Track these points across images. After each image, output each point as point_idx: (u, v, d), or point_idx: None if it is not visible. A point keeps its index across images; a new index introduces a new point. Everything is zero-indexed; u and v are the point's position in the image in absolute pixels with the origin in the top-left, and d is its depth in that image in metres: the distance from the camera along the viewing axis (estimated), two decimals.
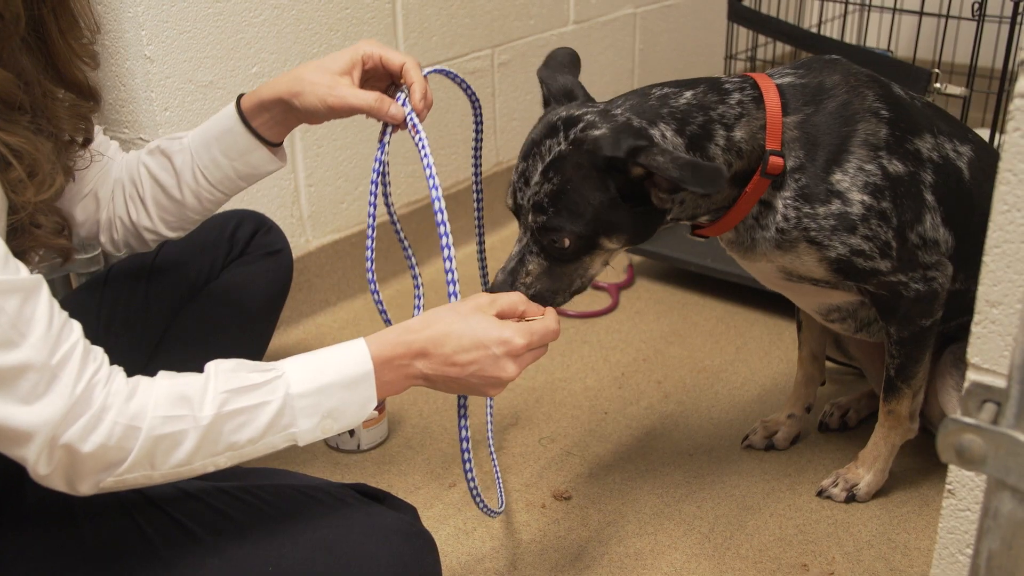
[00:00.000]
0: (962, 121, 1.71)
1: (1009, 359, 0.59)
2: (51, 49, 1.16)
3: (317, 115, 1.32)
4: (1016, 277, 0.86)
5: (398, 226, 1.48)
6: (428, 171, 1.26)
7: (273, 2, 1.94)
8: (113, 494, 1.13)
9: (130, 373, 1.46)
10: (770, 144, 1.35)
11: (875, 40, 2.42)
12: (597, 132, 1.27)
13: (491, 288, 1.37)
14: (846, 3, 2.34)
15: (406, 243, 1.51)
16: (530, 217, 1.31)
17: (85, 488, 1.01)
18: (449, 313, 1.17)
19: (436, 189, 1.26)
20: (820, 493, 1.62)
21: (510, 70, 2.55)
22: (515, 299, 1.23)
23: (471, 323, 1.15)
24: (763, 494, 1.63)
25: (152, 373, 1.47)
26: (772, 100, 1.36)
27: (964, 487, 1.03)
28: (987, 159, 1.47)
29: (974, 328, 0.94)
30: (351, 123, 2.16)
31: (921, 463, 1.66)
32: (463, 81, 1.43)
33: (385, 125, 1.33)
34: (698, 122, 1.32)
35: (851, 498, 1.60)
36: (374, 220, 1.35)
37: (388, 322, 1.27)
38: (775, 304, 2.17)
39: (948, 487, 1.04)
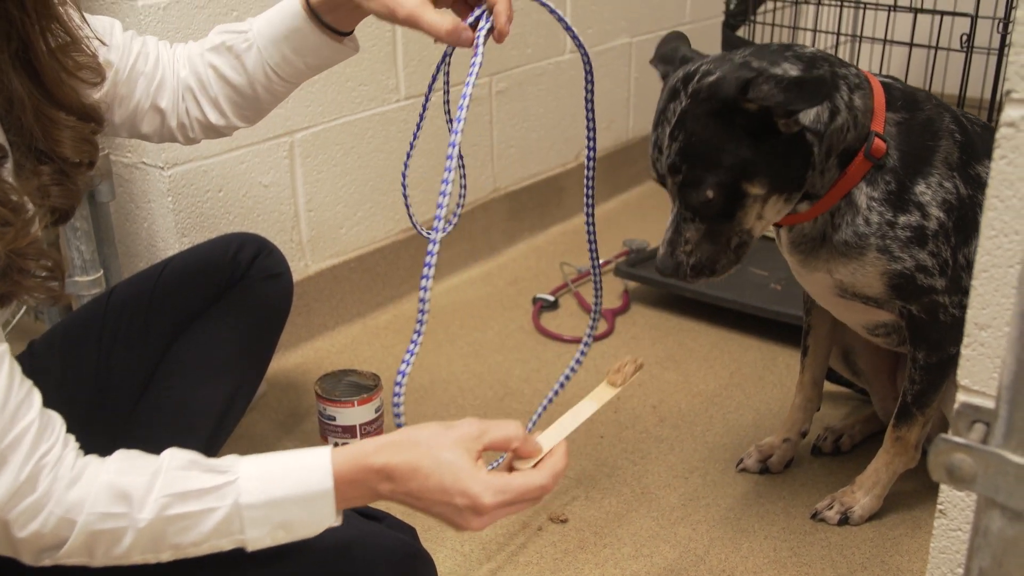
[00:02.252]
0: None
1: (998, 380, 0.61)
2: (39, 68, 1.10)
3: (388, 20, 1.24)
4: (1004, 300, 0.88)
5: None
6: (463, 101, 1.19)
7: None
8: None
9: (128, 397, 1.49)
10: (875, 126, 1.36)
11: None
12: (712, 78, 1.30)
13: (656, 264, 1.36)
14: (838, 34, 2.37)
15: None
16: (669, 181, 1.32)
17: (27, 560, 1.01)
18: (428, 440, 1.04)
19: (462, 110, 1.18)
20: (814, 516, 1.63)
21: (507, 98, 2.58)
22: (509, 434, 1.07)
23: (444, 462, 1.02)
24: (757, 517, 1.65)
25: (152, 398, 1.49)
26: (878, 89, 1.39)
27: (955, 507, 1.05)
28: None
29: (964, 350, 0.96)
30: (352, 148, 2.19)
31: (914, 486, 1.68)
32: (558, 14, 1.35)
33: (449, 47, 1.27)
34: (825, 70, 1.32)
35: (844, 521, 1.61)
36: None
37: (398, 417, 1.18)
38: (769, 330, 2.19)
39: (939, 507, 1.06)
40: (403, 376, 1.11)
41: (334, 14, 1.29)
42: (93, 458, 1.03)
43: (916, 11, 2.12)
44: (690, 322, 2.31)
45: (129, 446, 1.47)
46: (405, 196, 1.43)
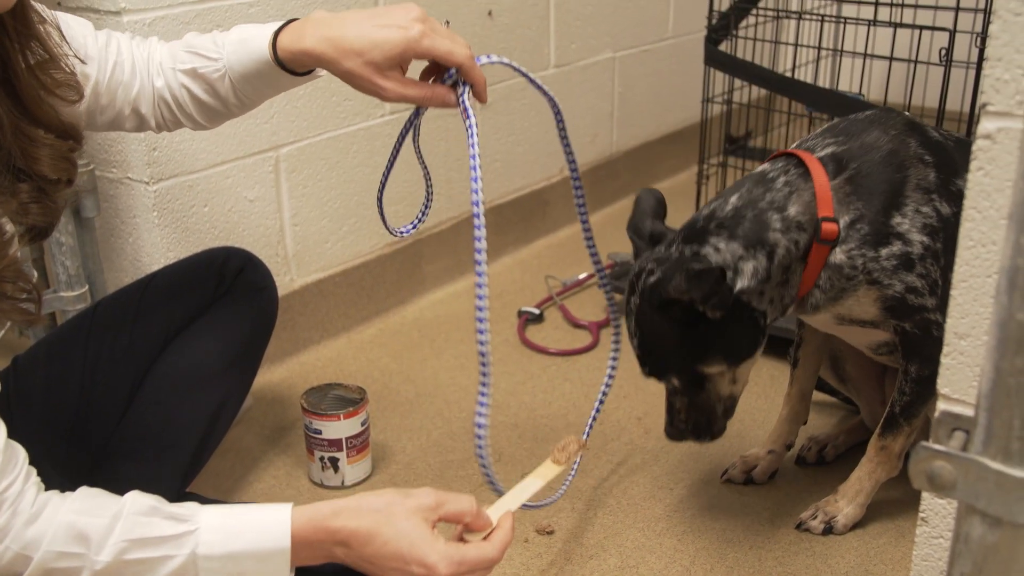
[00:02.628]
0: None
1: (977, 389, 0.62)
2: (17, 86, 1.11)
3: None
4: (982, 310, 0.89)
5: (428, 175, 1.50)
6: (473, 162, 1.19)
7: None
8: None
9: (113, 411, 1.49)
10: (821, 212, 1.41)
11: (847, 84, 2.48)
12: (652, 279, 1.39)
13: (666, 434, 1.51)
14: (819, 48, 2.40)
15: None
16: (646, 369, 1.45)
17: None
18: (386, 507, 1.09)
19: (477, 182, 1.18)
20: (799, 526, 1.64)
21: (493, 112, 2.59)
22: (463, 508, 1.13)
23: (401, 530, 1.07)
24: (742, 527, 1.65)
25: (137, 413, 1.49)
26: (817, 170, 1.42)
27: (937, 515, 1.06)
28: None
29: (943, 360, 0.98)
30: (337, 163, 2.19)
31: (897, 495, 1.69)
32: (533, 79, 1.36)
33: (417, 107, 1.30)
34: (749, 218, 1.39)
35: (828, 530, 1.63)
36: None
37: (492, 483, 1.22)
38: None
39: (921, 515, 1.08)
40: (482, 429, 1.15)
41: (300, 61, 1.28)
42: (54, 494, 1.03)
43: (896, 25, 2.15)
44: None
45: (115, 462, 1.48)
46: (380, 205, 1.45)
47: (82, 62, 1.28)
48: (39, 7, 1.17)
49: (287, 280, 2.17)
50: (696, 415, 1.48)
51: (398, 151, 1.38)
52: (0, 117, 1.08)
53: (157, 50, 1.39)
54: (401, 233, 1.44)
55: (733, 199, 1.42)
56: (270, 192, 2.08)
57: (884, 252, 1.41)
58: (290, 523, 1.07)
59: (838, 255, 1.42)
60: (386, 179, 1.42)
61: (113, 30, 1.40)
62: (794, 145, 1.52)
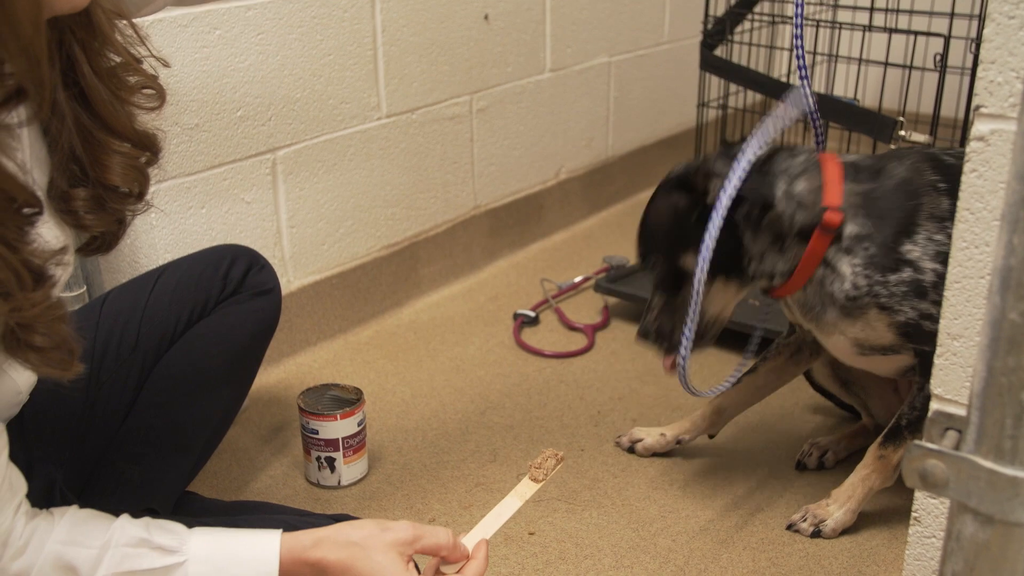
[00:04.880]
0: None
1: (970, 389, 0.63)
2: (87, 91, 1.06)
3: None
4: (975, 311, 0.90)
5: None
6: None
7: (258, 48, 1.98)
8: None
9: (118, 410, 1.48)
10: (827, 201, 1.45)
11: (842, 89, 2.50)
12: (680, 168, 1.54)
13: (639, 330, 1.59)
14: (814, 53, 2.41)
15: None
16: (640, 250, 1.56)
17: None
18: (363, 540, 1.11)
19: None
20: (790, 527, 1.65)
21: (488, 116, 2.60)
22: (440, 541, 1.15)
23: (376, 564, 1.09)
24: (736, 528, 1.66)
25: (144, 415, 1.49)
26: (831, 164, 1.49)
27: (929, 515, 1.07)
28: None
29: (937, 360, 0.99)
30: (334, 166, 2.20)
31: (891, 498, 1.70)
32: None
33: None
34: (761, 172, 1.47)
35: (816, 534, 1.63)
36: None
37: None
38: (746, 345, 2.21)
39: (914, 515, 1.09)
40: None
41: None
42: (42, 521, 1.03)
43: (891, 31, 2.16)
44: None
45: (118, 464, 1.48)
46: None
47: (165, 64, 1.20)
48: (113, 5, 1.11)
49: (284, 282, 2.18)
50: (663, 320, 1.56)
51: None
52: (66, 118, 1.05)
53: None
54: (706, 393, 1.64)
55: (767, 149, 1.49)
56: (267, 194, 2.09)
57: (893, 278, 1.44)
58: (278, 554, 1.08)
59: (844, 265, 1.46)
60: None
61: None
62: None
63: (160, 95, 1.16)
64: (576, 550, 1.61)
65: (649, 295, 1.59)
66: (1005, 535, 0.60)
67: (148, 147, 1.15)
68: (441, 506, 1.71)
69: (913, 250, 1.43)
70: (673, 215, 1.51)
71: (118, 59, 1.10)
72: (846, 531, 1.64)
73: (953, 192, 1.44)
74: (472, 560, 1.17)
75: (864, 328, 1.49)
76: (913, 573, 1.10)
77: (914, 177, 1.47)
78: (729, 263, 1.49)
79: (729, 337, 2.24)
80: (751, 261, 1.50)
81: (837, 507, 1.63)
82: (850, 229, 1.46)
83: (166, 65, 1.20)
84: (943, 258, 1.42)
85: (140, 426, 1.48)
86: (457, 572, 1.16)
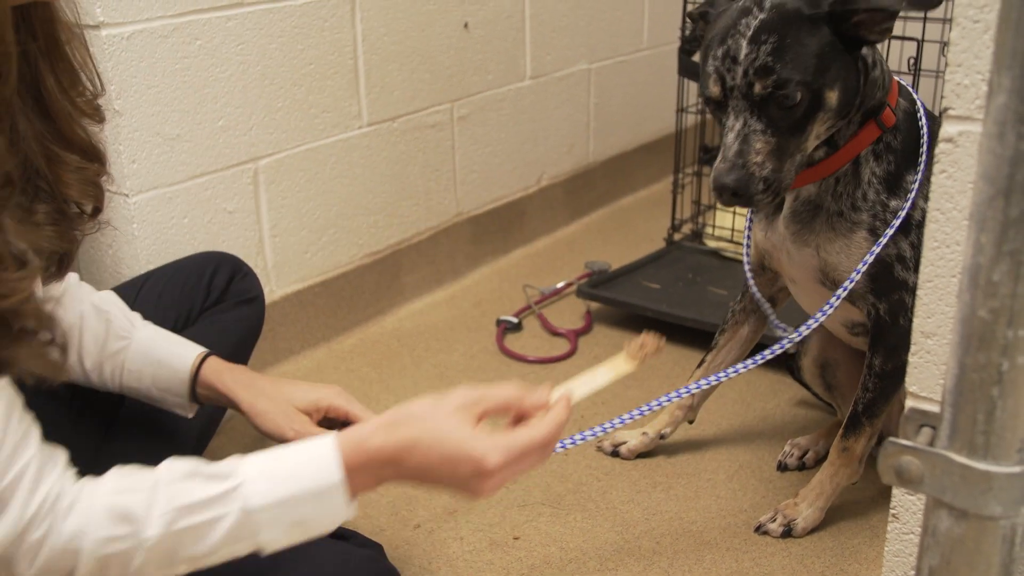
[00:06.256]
0: None
1: (943, 386, 0.64)
2: (51, 107, 1.09)
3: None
4: (948, 309, 0.92)
5: None
6: None
7: (239, 58, 1.99)
8: None
9: (100, 420, 1.49)
10: (891, 100, 1.46)
11: None
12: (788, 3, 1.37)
13: (717, 180, 1.37)
14: None
15: None
16: (756, 87, 1.35)
17: None
18: (424, 413, 1.02)
19: None
20: (758, 529, 1.66)
21: (469, 124, 2.61)
22: (508, 397, 1.05)
23: (443, 431, 1.00)
24: (720, 530, 1.68)
25: (123, 424, 1.49)
26: (893, 78, 1.49)
27: (907, 511, 1.09)
28: None
29: (911, 358, 1.00)
30: (316, 175, 2.21)
31: (871, 495, 1.72)
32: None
33: None
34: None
35: (787, 533, 1.64)
36: None
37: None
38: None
39: (892, 512, 1.10)
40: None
41: (209, 392, 1.39)
42: (88, 481, 0.99)
43: None
44: None
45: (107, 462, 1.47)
46: None
47: (101, 85, 1.22)
48: (68, 19, 1.13)
49: (267, 291, 2.18)
50: (774, 162, 1.36)
51: None
52: (27, 137, 1.06)
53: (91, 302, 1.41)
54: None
55: None
56: (249, 204, 2.09)
57: (892, 204, 1.45)
58: (338, 454, 0.99)
59: (866, 171, 1.46)
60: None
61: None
62: None
63: (100, 112, 1.19)
64: (561, 554, 1.62)
65: (737, 134, 1.38)
66: (979, 529, 0.61)
67: (99, 159, 1.17)
68: (426, 512, 1.72)
69: (914, 183, 1.45)
70: (827, 43, 1.35)
71: (74, 75, 1.13)
72: (827, 529, 1.66)
73: None
74: (552, 409, 1.06)
75: (841, 250, 1.48)
76: (893, 569, 1.12)
77: (933, 121, 1.49)
78: (852, 100, 1.41)
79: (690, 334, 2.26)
80: (861, 102, 1.43)
81: (807, 505, 1.64)
82: (887, 138, 1.46)
83: (102, 87, 1.21)
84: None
85: (125, 436, 1.48)
86: (533, 420, 1.05)
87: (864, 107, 1.45)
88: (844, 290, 1.44)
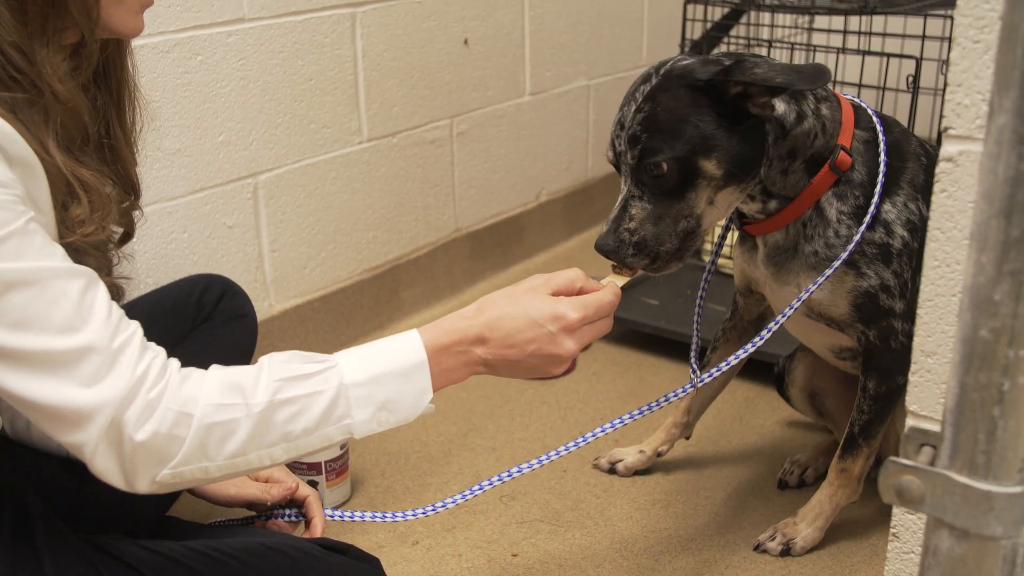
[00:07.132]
0: None
1: (943, 405, 0.64)
2: (117, 151, 1.20)
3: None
4: (948, 328, 0.92)
5: None
6: None
7: (239, 73, 1.99)
8: (79, 548, 1.15)
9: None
10: (842, 140, 1.42)
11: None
12: (686, 62, 1.37)
13: (597, 242, 1.41)
14: None
15: None
16: (628, 156, 1.35)
17: (142, 484, 1.02)
18: (502, 297, 1.15)
19: None
20: (757, 547, 1.66)
21: (468, 140, 2.62)
22: (571, 276, 1.19)
23: (523, 303, 1.13)
24: (719, 547, 1.67)
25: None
26: (847, 106, 1.45)
27: (907, 530, 1.08)
28: None
29: (912, 377, 1.00)
30: (315, 190, 2.21)
31: (870, 514, 1.72)
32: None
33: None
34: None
35: (786, 552, 1.64)
36: None
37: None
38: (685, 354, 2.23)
39: (893, 531, 1.10)
40: None
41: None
42: (194, 368, 1.06)
43: (864, 53, 2.19)
44: (650, 357, 2.34)
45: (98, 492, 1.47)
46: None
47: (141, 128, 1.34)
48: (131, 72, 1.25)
49: (266, 306, 2.18)
50: (650, 227, 1.35)
51: None
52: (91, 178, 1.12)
53: None
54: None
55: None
56: (249, 218, 2.09)
57: (867, 236, 1.42)
58: (420, 337, 1.10)
59: (831, 210, 1.43)
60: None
61: None
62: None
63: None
64: (559, 571, 1.62)
65: (621, 199, 1.39)
66: (980, 549, 0.61)
67: (136, 192, 1.27)
68: (424, 528, 1.72)
69: (890, 211, 1.43)
70: (701, 114, 1.32)
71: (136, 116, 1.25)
72: (826, 548, 1.65)
73: (930, 170, 1.40)
74: (604, 288, 1.19)
75: (824, 287, 1.45)
76: None
77: (903, 141, 1.47)
78: (747, 165, 1.36)
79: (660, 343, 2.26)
80: (766, 165, 1.39)
81: (805, 525, 1.64)
82: (848, 175, 1.43)
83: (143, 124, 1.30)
84: (911, 227, 1.42)
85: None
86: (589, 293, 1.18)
87: (801, 158, 1.41)
88: (784, 316, 1.45)
